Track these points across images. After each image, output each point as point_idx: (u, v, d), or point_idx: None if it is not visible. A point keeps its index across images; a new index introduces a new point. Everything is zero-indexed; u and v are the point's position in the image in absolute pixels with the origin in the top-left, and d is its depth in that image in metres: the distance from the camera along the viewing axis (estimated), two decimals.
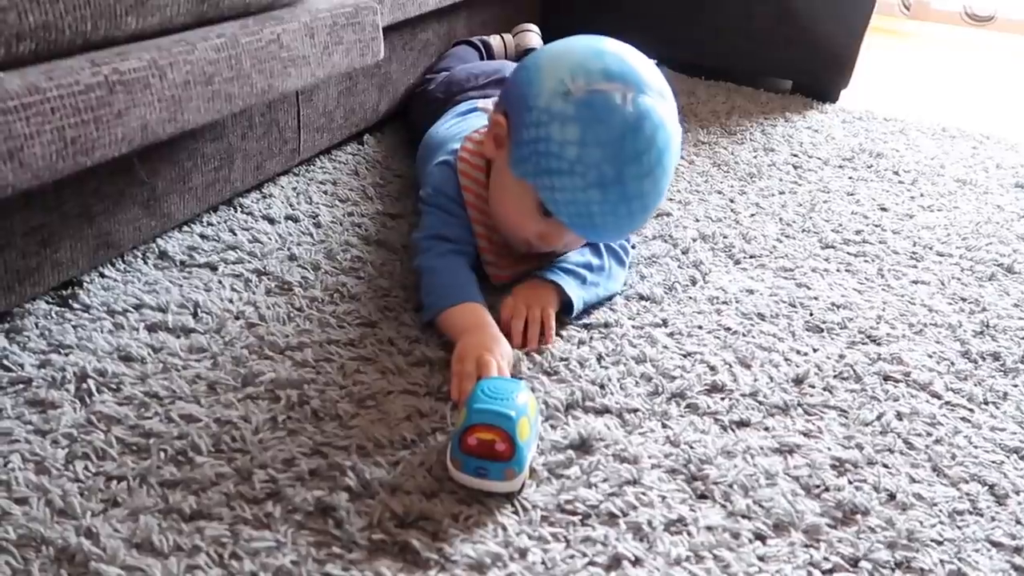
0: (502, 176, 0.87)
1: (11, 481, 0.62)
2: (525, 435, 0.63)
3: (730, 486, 0.68)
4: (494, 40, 1.57)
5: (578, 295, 0.89)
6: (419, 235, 0.92)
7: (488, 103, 1.08)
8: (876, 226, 1.20)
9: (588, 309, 0.91)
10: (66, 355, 0.76)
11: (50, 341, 0.78)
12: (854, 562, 0.62)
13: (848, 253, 1.11)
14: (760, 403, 0.79)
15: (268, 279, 0.91)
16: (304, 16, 0.88)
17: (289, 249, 0.98)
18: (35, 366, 0.74)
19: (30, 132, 0.59)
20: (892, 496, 0.68)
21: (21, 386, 0.72)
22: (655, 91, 0.81)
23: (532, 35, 1.63)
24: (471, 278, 0.88)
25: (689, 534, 0.63)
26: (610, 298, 0.94)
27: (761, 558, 0.62)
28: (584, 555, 0.60)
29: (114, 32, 0.68)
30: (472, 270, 0.90)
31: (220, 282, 0.90)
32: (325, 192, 1.14)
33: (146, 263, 0.92)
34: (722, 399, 0.79)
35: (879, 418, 0.78)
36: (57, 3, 0.61)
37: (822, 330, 0.92)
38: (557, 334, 0.86)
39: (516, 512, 0.63)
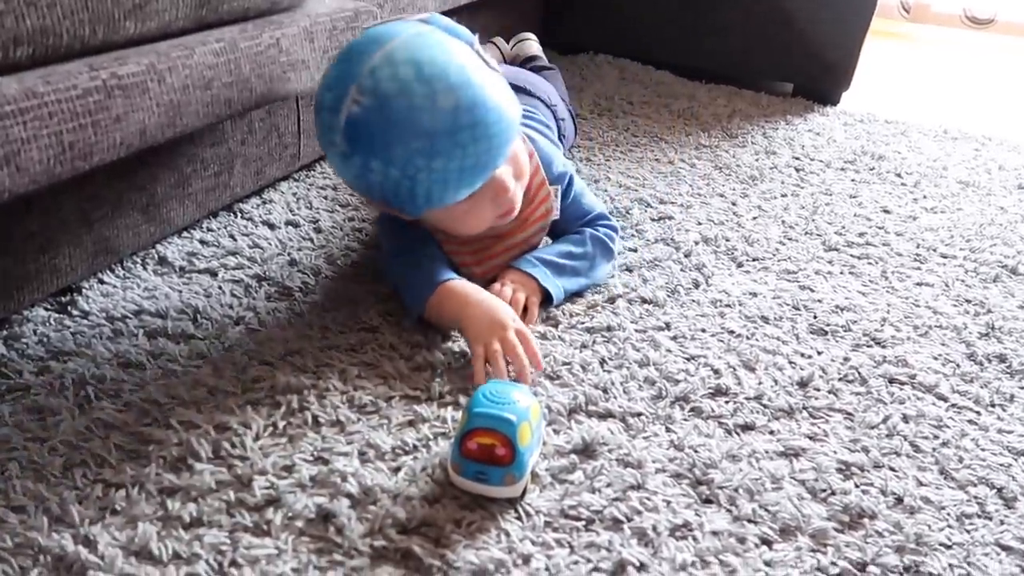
0: (431, 223, 0.87)
1: (8, 489, 0.61)
2: (526, 440, 0.63)
3: (735, 490, 0.67)
4: (488, 50, 1.57)
5: (556, 284, 0.90)
6: (382, 257, 0.91)
7: None
8: (879, 228, 1.19)
9: (591, 314, 0.90)
10: (65, 362, 0.75)
11: (49, 348, 0.77)
12: (862, 567, 0.61)
13: (851, 255, 1.10)
14: (765, 406, 0.78)
15: (268, 285, 0.91)
16: (303, 20, 0.88)
17: (289, 254, 0.97)
18: (33, 373, 0.74)
19: (27, 136, 0.59)
20: (899, 500, 0.68)
21: (19, 393, 0.71)
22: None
23: (531, 43, 1.63)
24: (438, 257, 0.88)
25: (694, 539, 0.62)
26: (597, 285, 0.95)
27: (768, 563, 0.61)
28: (588, 561, 0.59)
29: (112, 36, 0.68)
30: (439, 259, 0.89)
31: (220, 288, 0.89)
32: (325, 197, 1.13)
33: (145, 269, 0.92)
34: (726, 402, 0.78)
35: (885, 421, 0.77)
36: (55, 7, 0.61)
37: (826, 333, 0.91)
38: (559, 338, 0.86)
39: (519, 518, 0.63)
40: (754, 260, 1.07)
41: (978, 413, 0.80)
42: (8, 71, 0.60)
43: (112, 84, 0.65)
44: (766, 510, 0.65)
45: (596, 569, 0.59)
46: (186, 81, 0.73)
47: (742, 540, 0.62)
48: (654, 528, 0.62)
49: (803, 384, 0.82)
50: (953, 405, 0.81)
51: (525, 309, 0.87)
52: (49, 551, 0.56)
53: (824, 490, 0.68)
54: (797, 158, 1.45)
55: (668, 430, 0.74)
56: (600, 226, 0.98)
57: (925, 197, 1.32)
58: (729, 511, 0.65)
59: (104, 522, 0.59)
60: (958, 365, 0.87)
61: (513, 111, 0.80)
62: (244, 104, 0.81)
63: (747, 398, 0.79)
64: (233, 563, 0.57)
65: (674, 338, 0.88)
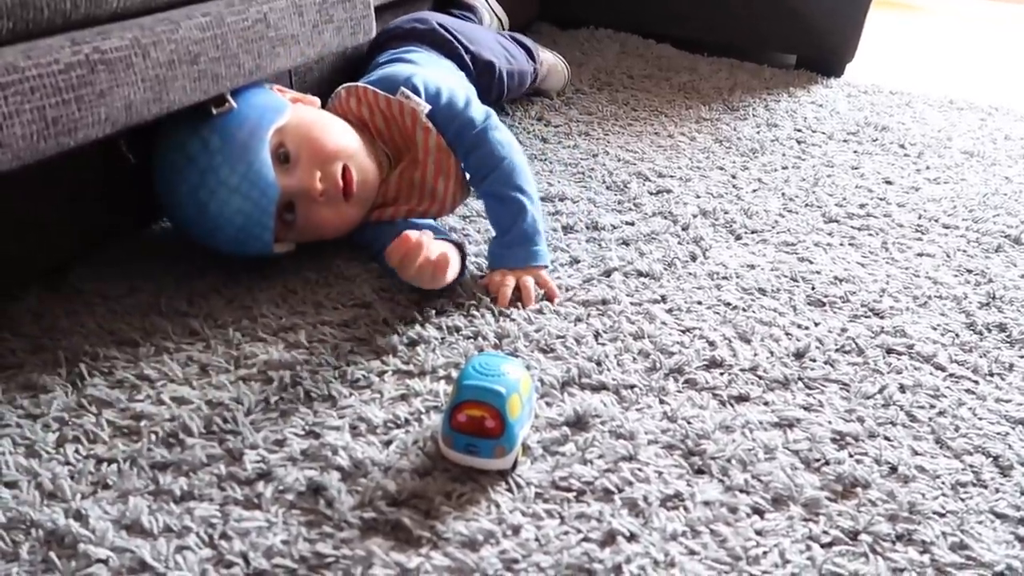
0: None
1: (1, 465, 0.61)
2: (516, 412, 0.62)
3: (728, 461, 0.67)
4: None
5: (533, 253, 0.90)
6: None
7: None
8: (881, 199, 1.18)
9: (586, 287, 0.90)
10: (58, 340, 0.76)
11: (42, 326, 0.77)
12: (854, 535, 0.61)
13: (852, 227, 1.09)
14: (760, 378, 0.77)
15: (262, 262, 0.91)
16: None
17: None
18: (27, 351, 0.74)
19: (9, 112, 0.58)
20: (894, 469, 0.67)
21: (13, 371, 0.72)
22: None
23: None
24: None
25: (686, 509, 0.62)
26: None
27: (759, 532, 0.60)
28: (578, 531, 0.59)
29: (95, 11, 0.67)
30: None
31: (213, 265, 0.89)
32: None
33: (139, 247, 0.92)
34: (721, 374, 0.77)
35: (881, 391, 0.76)
36: None
37: (824, 304, 0.90)
38: (554, 311, 0.85)
39: (510, 489, 0.63)
40: (753, 233, 1.06)
41: (976, 382, 0.79)
42: None
43: (95, 59, 0.64)
44: (758, 480, 0.65)
45: (586, 539, 0.59)
46: (172, 56, 0.72)
47: (733, 510, 0.62)
48: (645, 499, 0.62)
49: (799, 355, 0.81)
50: (951, 375, 0.80)
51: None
52: (41, 525, 0.57)
53: (818, 460, 0.68)
54: (799, 130, 1.43)
55: (662, 402, 0.73)
56: (481, 147, 0.93)
57: (928, 168, 1.31)
58: (721, 481, 0.65)
59: (96, 497, 0.60)
60: (957, 335, 0.86)
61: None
62: (232, 80, 0.80)
63: (742, 369, 0.78)
64: (224, 536, 0.57)
65: (670, 311, 0.87)
